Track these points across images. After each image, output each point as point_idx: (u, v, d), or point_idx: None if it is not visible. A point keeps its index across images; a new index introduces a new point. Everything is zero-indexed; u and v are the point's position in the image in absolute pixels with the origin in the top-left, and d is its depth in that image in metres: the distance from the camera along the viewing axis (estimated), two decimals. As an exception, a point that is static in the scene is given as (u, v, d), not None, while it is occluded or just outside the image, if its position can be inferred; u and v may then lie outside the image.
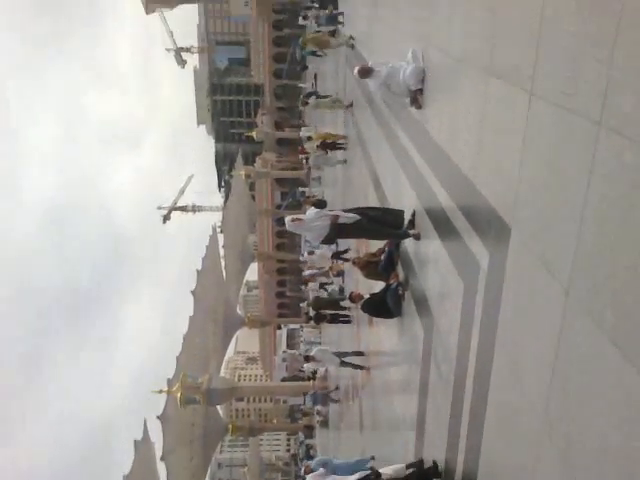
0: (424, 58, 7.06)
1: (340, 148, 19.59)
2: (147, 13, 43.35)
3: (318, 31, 22.72)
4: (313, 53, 25.11)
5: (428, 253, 6.96)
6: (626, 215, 2.65)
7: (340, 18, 21.86)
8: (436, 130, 6.69)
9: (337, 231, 7.40)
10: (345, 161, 18.73)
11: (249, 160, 62.83)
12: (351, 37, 17.60)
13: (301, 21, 33.32)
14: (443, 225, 6.08)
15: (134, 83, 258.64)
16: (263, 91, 72.13)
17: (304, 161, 29.34)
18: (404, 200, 8.21)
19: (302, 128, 34.57)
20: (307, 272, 28.02)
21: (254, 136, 55.70)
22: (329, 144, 20.00)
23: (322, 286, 25.65)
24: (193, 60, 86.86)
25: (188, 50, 77.91)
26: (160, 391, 29.99)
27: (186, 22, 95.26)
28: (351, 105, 17.40)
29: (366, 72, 7.78)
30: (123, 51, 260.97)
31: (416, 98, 7.20)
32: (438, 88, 6.70)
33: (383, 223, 7.64)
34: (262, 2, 59.90)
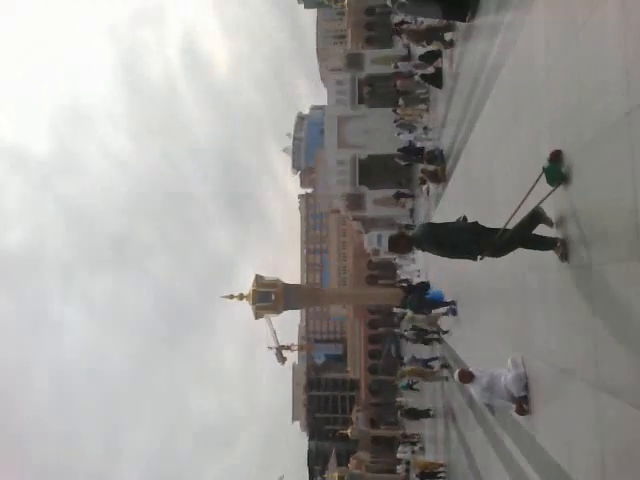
0: (525, 365, 7.04)
1: (439, 478, 19.07)
2: (256, 318, 47.90)
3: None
4: (409, 387, 25.85)
5: None
6: None
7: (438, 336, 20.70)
8: (545, 438, 6.28)
9: None
10: None
11: (343, 459, 59.86)
12: (444, 365, 18.10)
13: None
14: None
15: (235, 381, 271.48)
16: (359, 386, 72.56)
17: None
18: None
19: (400, 446, 34.39)
20: None
21: (349, 434, 54.15)
22: (428, 473, 19.75)
23: None
24: (292, 357, 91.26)
25: (289, 348, 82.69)
26: None
27: (289, 322, 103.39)
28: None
29: (467, 377, 7.80)
30: (228, 351, 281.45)
31: (521, 405, 6.97)
32: (545, 396, 6.49)
33: None
34: (358, 306, 64.69)
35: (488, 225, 6.06)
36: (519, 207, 5.43)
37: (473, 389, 7.64)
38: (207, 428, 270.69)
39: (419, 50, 25.01)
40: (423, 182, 22.54)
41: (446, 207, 17.91)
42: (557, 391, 5.96)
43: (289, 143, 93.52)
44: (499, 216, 9.03)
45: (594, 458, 4.78)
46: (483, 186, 10.70)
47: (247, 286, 49.09)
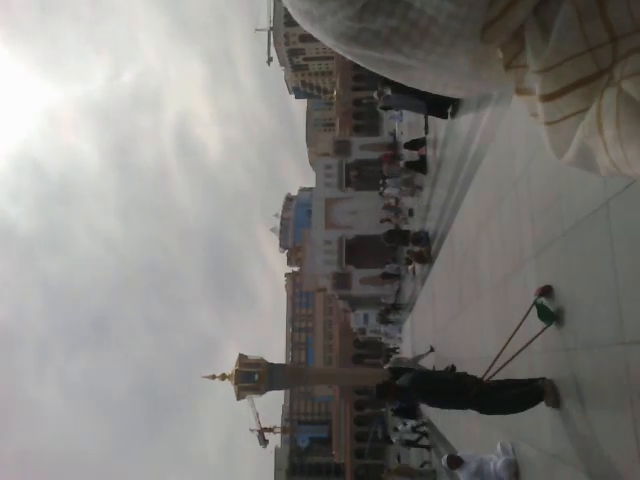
0: (514, 451, 6.99)
1: None
2: (237, 399, 46.64)
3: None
4: None
5: None
6: None
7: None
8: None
9: None
10: None
11: None
12: (434, 471, 17.67)
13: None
14: None
15: (216, 464, 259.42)
16: (344, 471, 69.64)
17: None
18: None
19: None
20: None
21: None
22: None
23: None
24: (275, 439, 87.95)
25: (271, 430, 79.81)
26: None
27: (272, 402, 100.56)
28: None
29: (455, 462, 7.71)
30: (209, 433, 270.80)
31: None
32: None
33: None
34: (344, 386, 63.36)
35: (475, 375, 6.10)
36: (507, 343, 5.44)
37: (462, 475, 7.53)
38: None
39: (404, 138, 26.14)
40: (409, 262, 22.91)
41: (431, 288, 18.14)
42: (548, 478, 5.91)
43: (277, 223, 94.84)
44: (483, 303, 9.26)
45: None
46: (468, 270, 10.97)
47: (230, 366, 48.13)
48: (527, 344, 5.36)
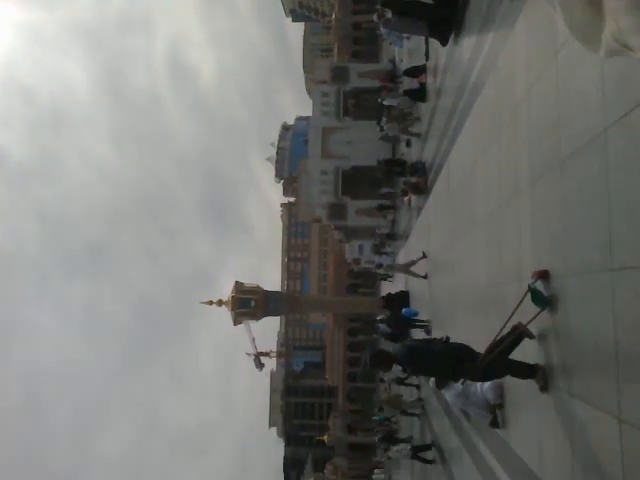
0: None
1: None
2: (234, 324, 47.79)
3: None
4: (387, 419, 26.16)
5: None
6: None
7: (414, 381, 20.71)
8: (518, 445, 6.50)
9: None
10: None
11: (319, 466, 59.75)
12: (420, 399, 18.38)
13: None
14: None
15: (213, 387, 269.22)
16: (337, 394, 72.58)
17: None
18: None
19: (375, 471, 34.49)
20: None
21: (325, 440, 54.14)
22: None
23: None
24: (271, 363, 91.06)
25: (267, 355, 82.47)
26: None
27: (268, 329, 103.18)
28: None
29: (443, 383, 8.03)
30: (206, 358, 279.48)
31: (495, 418, 7.20)
32: (519, 404, 6.71)
33: None
34: (338, 314, 64.90)
35: (471, 347, 6.18)
36: (504, 326, 5.45)
37: (448, 395, 7.85)
38: (183, 434, 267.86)
39: (404, 65, 25.40)
40: (405, 194, 22.89)
41: (427, 219, 18.24)
42: (531, 399, 6.19)
43: (273, 152, 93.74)
44: (476, 232, 9.36)
45: (563, 464, 5.01)
46: (463, 200, 11.00)
47: (227, 293, 49.02)
48: (526, 323, 5.45)
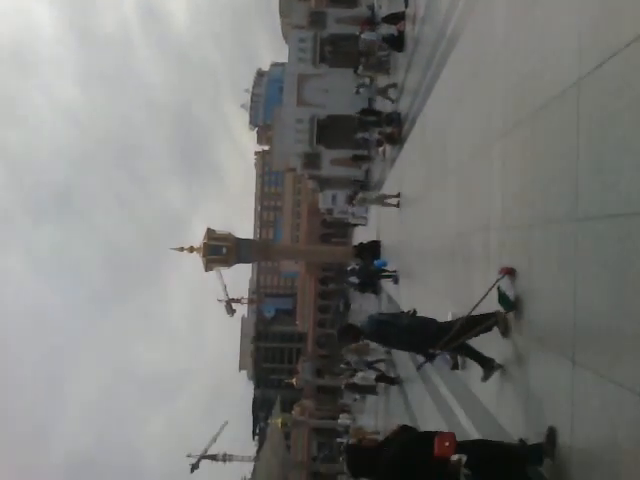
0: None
1: None
2: (206, 271, 47.74)
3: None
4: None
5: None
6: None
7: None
8: (478, 388, 6.80)
9: None
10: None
11: (288, 407, 61.56)
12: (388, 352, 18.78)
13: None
14: None
15: (184, 332, 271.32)
16: (306, 339, 74.09)
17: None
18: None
19: (340, 416, 35.19)
20: None
21: (294, 383, 55.55)
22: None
23: None
24: (242, 310, 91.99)
25: (238, 301, 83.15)
26: None
27: (240, 275, 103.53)
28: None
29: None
30: (177, 302, 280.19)
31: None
32: (481, 348, 6.97)
33: None
34: (310, 262, 65.40)
35: (437, 320, 6.23)
36: (474, 308, 5.50)
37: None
38: (154, 377, 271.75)
39: (383, 11, 24.79)
40: (380, 144, 22.81)
41: (401, 170, 18.29)
42: (492, 343, 6.45)
43: (247, 99, 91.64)
44: (448, 183, 9.46)
45: (517, 405, 5.30)
46: (437, 151, 11.05)
47: (198, 240, 48.81)
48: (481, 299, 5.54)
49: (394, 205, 18.02)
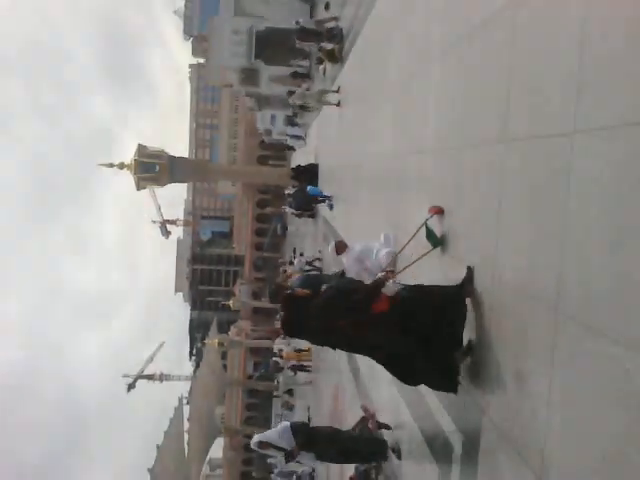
0: (396, 243, 7.64)
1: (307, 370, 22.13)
2: (138, 189, 46.21)
3: None
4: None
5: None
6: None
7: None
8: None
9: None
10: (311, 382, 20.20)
11: (224, 328, 62.58)
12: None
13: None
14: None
15: (116, 252, 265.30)
16: (243, 262, 74.40)
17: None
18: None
19: (276, 340, 35.99)
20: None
21: (231, 305, 56.20)
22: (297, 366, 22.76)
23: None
24: (178, 232, 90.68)
25: (174, 223, 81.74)
26: None
27: (174, 196, 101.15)
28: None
29: (342, 247, 8.32)
30: (109, 222, 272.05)
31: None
32: (410, 271, 7.14)
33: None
34: (247, 184, 64.60)
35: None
36: (402, 249, 5.54)
37: (345, 259, 8.19)
38: (88, 299, 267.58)
39: None
40: (321, 62, 22.08)
41: (341, 88, 17.88)
42: (425, 263, 6.62)
43: (181, 5, 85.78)
44: (386, 104, 9.31)
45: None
46: (377, 69, 10.80)
47: (130, 157, 46.79)
48: (412, 263, 5.61)
49: (335, 104, 17.68)
